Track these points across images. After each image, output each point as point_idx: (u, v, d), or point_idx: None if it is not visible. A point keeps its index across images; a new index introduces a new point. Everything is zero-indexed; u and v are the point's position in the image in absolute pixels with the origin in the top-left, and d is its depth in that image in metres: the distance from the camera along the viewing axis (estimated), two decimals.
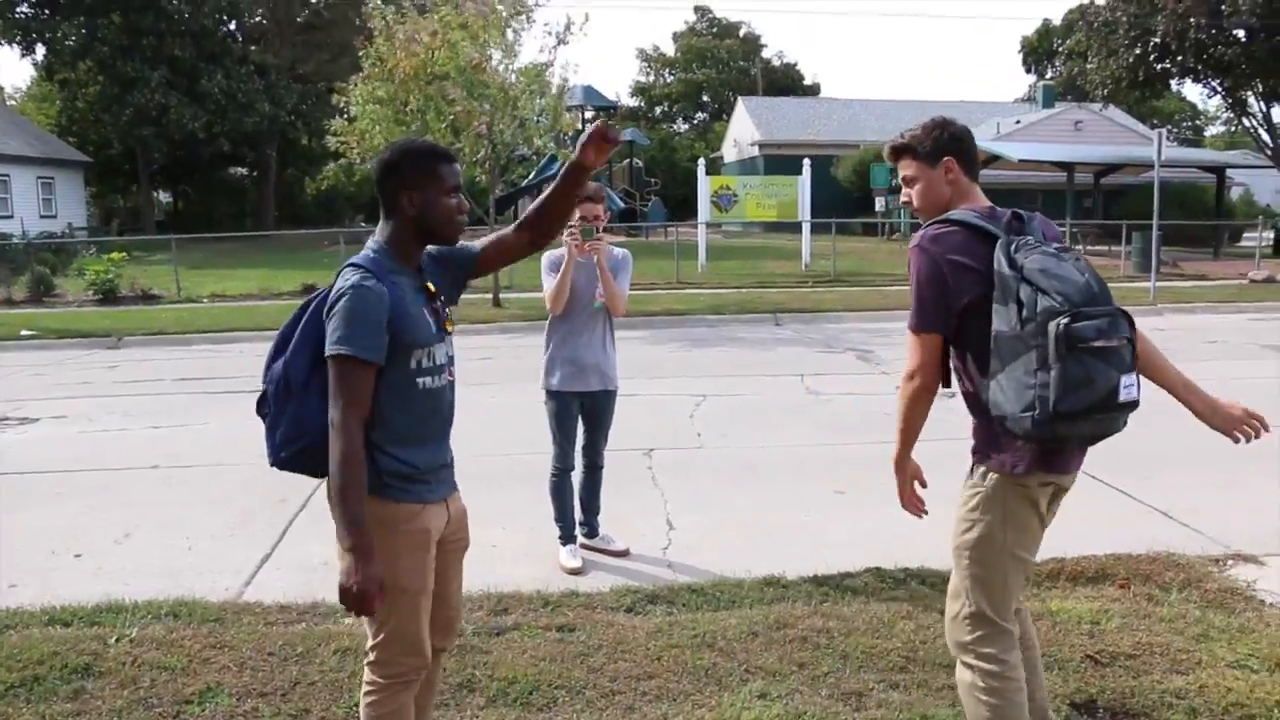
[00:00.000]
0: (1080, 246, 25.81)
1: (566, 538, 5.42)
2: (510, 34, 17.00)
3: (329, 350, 2.66)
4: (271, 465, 2.88)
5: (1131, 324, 2.78)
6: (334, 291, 2.72)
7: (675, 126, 67.46)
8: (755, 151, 42.16)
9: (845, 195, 36.33)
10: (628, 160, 38.93)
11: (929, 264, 2.91)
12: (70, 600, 4.85)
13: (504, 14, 16.82)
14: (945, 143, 3.01)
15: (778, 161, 37.30)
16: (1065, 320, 2.64)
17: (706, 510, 6.34)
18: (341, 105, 17.80)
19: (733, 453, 7.78)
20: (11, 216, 33.23)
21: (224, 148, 39.18)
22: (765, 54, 68.88)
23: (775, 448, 7.17)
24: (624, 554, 5.49)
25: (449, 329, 2.90)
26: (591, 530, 5.54)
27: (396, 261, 2.81)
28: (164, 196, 47.66)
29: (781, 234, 31.11)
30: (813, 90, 65.47)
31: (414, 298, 2.79)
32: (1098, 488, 6.27)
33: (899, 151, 3.10)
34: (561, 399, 5.25)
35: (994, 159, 28.41)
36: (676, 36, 69.73)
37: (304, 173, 46.50)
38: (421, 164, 2.82)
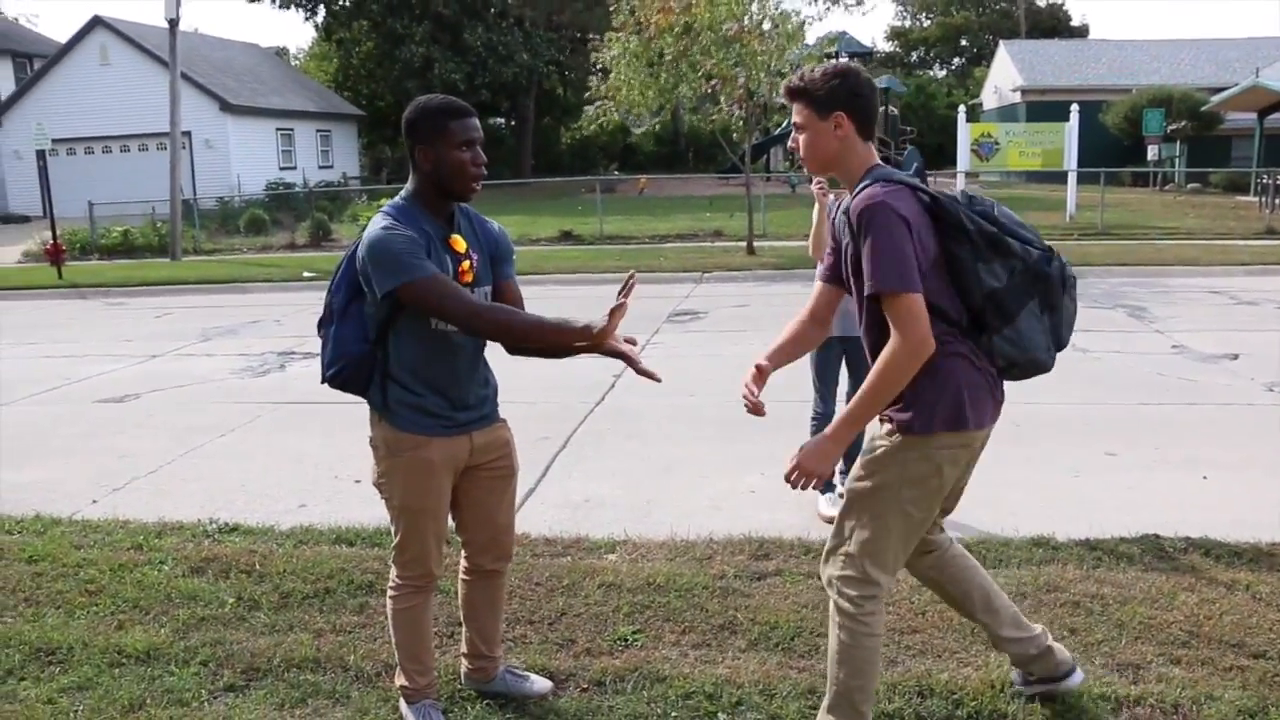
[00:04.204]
0: None
1: (826, 485, 5.38)
2: None
3: (388, 286, 2.89)
4: (322, 383, 3.19)
5: None
6: (365, 236, 2.96)
7: (932, 72, 65.03)
8: (1017, 98, 40.14)
9: (1115, 143, 34.07)
10: (883, 108, 37.86)
11: (898, 221, 2.72)
12: (353, 522, 5.25)
13: None
14: (840, 95, 2.85)
15: (1041, 108, 35.36)
16: (1058, 263, 2.86)
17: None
18: (597, 62, 18.11)
19: None
20: (295, 168, 35.84)
21: (484, 97, 40.66)
22: None
23: (1041, 405, 6.87)
24: None
25: (468, 280, 3.05)
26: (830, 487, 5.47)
27: (423, 210, 3.03)
28: None
29: (1044, 184, 29.58)
30: (1080, 32, 61.57)
31: (437, 246, 3.00)
32: None
33: (793, 94, 2.94)
34: (824, 344, 5.19)
35: None
36: None
37: (559, 122, 47.69)
38: (433, 121, 2.98)
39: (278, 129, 36.33)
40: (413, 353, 3.08)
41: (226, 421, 7.58)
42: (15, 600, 4.46)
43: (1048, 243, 2.94)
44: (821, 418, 5.32)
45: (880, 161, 2.94)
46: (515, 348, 3.06)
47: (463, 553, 3.51)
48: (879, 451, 2.94)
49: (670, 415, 7.58)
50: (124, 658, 3.89)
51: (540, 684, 3.58)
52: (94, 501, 5.93)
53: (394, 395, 3.11)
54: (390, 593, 3.36)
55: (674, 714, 3.39)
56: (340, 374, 3.14)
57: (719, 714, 3.38)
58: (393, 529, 3.27)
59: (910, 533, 2.99)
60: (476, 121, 3.04)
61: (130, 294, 16.47)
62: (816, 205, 5.13)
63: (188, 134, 28.52)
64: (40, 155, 19.68)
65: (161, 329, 12.87)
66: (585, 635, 3.96)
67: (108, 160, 33.35)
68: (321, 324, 3.19)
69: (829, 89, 2.85)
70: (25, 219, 31.51)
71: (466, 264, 3.07)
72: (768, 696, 3.45)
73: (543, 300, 13.63)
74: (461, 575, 3.54)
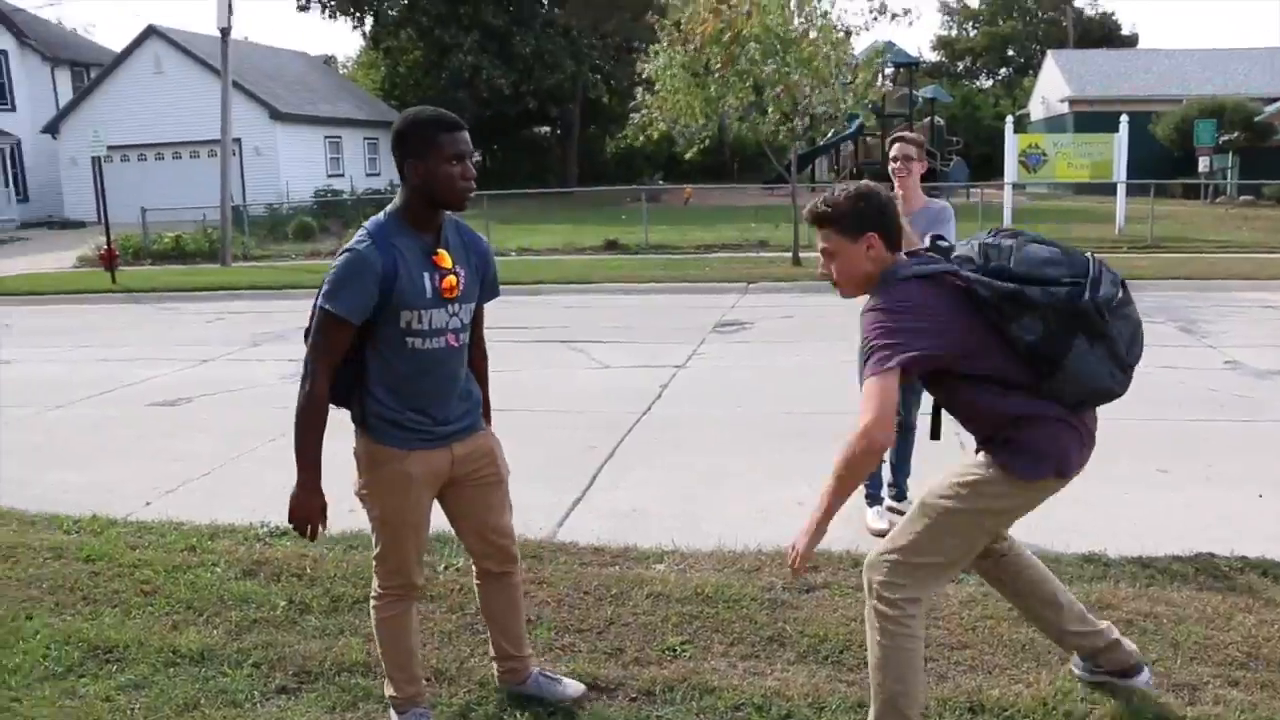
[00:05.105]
0: None
1: (873, 499, 5.37)
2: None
3: (317, 301, 2.99)
4: None
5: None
6: (339, 249, 3.03)
7: (978, 83, 64.57)
8: (1065, 108, 39.73)
9: (1165, 154, 33.57)
10: (929, 118, 37.66)
11: (897, 305, 2.85)
12: None
13: None
14: (869, 215, 2.90)
15: (1089, 118, 34.95)
16: (1092, 292, 2.78)
17: None
18: (643, 72, 18.13)
19: None
20: (343, 175, 36.21)
21: (530, 105, 40.88)
22: (1078, 3, 64.48)
23: None
24: None
25: (450, 297, 3.07)
26: (900, 493, 5.46)
27: (407, 225, 3.04)
28: (475, 156, 50.39)
29: (1092, 196, 29.23)
30: (1130, 41, 60.82)
31: (417, 262, 3.02)
32: None
33: (820, 220, 2.98)
34: None
35: None
36: None
37: (604, 131, 47.83)
38: (423, 133, 3.00)
39: (326, 137, 36.77)
40: (389, 369, 3.10)
41: (276, 426, 7.65)
42: (74, 598, 4.55)
43: (1094, 255, 2.91)
44: (903, 426, 5.14)
45: (899, 258, 2.99)
46: (355, 416, 3.21)
47: (472, 561, 3.56)
48: (974, 479, 2.97)
49: (717, 426, 7.58)
50: (179, 657, 3.96)
51: (573, 687, 3.60)
52: (148, 504, 6.02)
53: (372, 409, 3.14)
54: (373, 602, 3.40)
55: None
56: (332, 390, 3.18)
57: None
58: (373, 539, 3.32)
59: (967, 556, 3.06)
60: (467, 135, 3.06)
61: (182, 299, 16.71)
62: None
63: (238, 141, 28.91)
64: (95, 162, 20.03)
65: (212, 334, 13.05)
66: (634, 644, 3.97)
67: (160, 167, 33.89)
68: (306, 335, 3.22)
69: (857, 212, 2.90)
70: (80, 225, 32.08)
71: (452, 279, 3.09)
72: (817, 709, 3.45)
73: (587, 311, 13.75)
74: (474, 580, 3.58)
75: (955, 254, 2.96)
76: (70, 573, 4.81)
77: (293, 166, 33.43)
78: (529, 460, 6.80)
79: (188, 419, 8.32)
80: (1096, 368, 2.82)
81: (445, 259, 3.08)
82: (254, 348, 11.80)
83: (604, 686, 3.66)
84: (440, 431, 3.19)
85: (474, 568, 3.57)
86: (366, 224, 3.08)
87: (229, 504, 5.89)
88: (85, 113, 33.49)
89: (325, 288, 3.00)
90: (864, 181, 3.11)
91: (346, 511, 5.65)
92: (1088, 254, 2.91)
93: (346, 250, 3.01)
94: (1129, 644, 3.38)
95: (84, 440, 7.71)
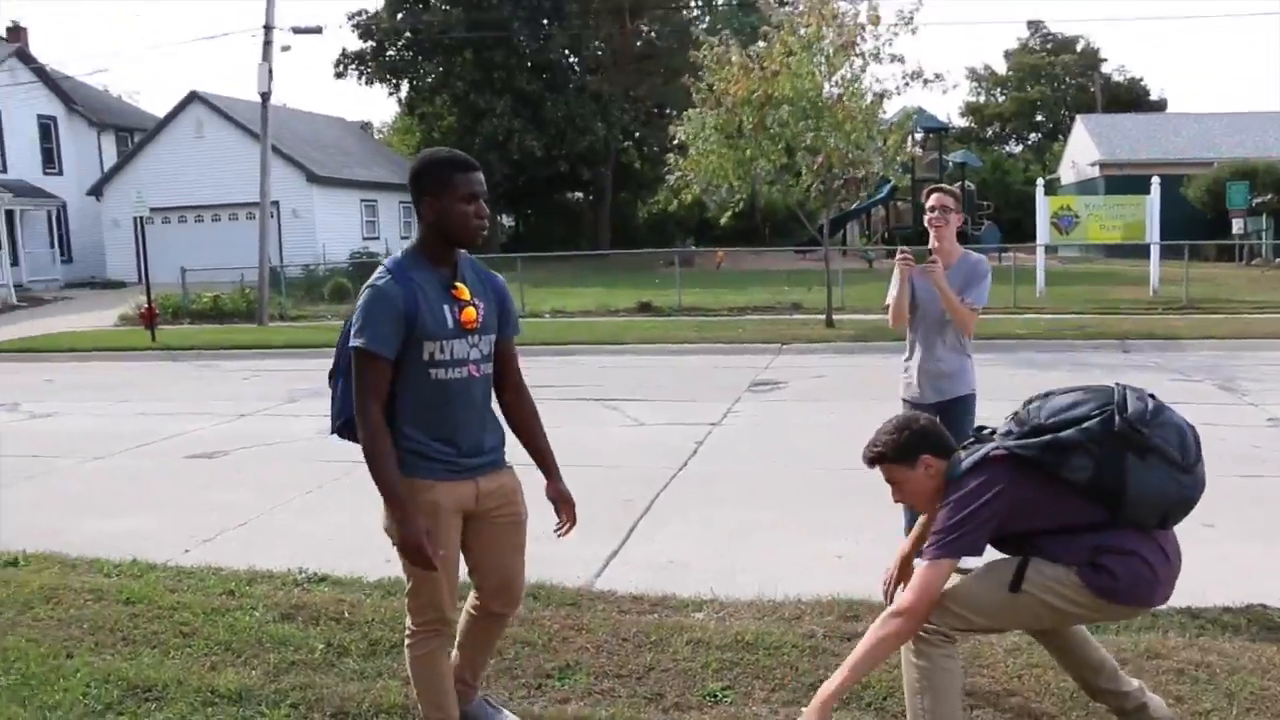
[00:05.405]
0: None
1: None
2: (859, 61, 16.97)
3: (350, 342, 3.07)
4: (331, 434, 3.36)
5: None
6: (364, 287, 3.10)
7: (1008, 148, 64.76)
8: (1095, 172, 39.77)
9: (1197, 217, 33.38)
10: (959, 184, 37.76)
11: (963, 498, 3.01)
12: None
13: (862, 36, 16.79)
14: (916, 443, 3.16)
15: (1119, 182, 34.91)
16: (1122, 414, 2.93)
17: None
18: (674, 136, 18.31)
19: None
20: (378, 238, 36.71)
21: (561, 169, 41.32)
22: (1105, 69, 64.69)
23: None
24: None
25: (470, 328, 3.15)
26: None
27: (425, 261, 3.14)
28: (507, 220, 50.95)
29: (1124, 259, 29.12)
30: (1159, 106, 60.89)
31: (437, 295, 3.11)
32: None
33: (874, 462, 3.23)
34: (912, 408, 5.18)
35: None
36: (1008, 54, 67.00)
37: (636, 195, 48.28)
38: (438, 173, 3.12)
39: (362, 200, 37.32)
40: (414, 402, 3.16)
41: (314, 479, 7.71)
42: (114, 639, 4.56)
43: (1118, 383, 3.10)
44: None
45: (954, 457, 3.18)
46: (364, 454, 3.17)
47: (474, 591, 3.56)
48: (1057, 573, 3.01)
49: (753, 481, 7.55)
50: (217, 697, 3.95)
51: (510, 719, 3.64)
52: (186, 551, 6.06)
53: (399, 444, 3.16)
54: (407, 640, 3.41)
55: None
56: (348, 424, 3.25)
57: None
58: (405, 575, 3.31)
59: (1006, 629, 3.30)
60: (481, 176, 3.17)
61: (220, 357, 16.90)
62: (897, 273, 5.20)
63: (276, 204, 29.34)
64: (138, 223, 20.42)
65: (249, 390, 13.18)
66: (674, 690, 3.93)
67: (200, 229, 34.46)
68: (331, 375, 3.31)
69: (905, 443, 3.16)
70: (122, 285, 32.58)
71: (472, 310, 3.18)
72: None
73: (621, 371, 13.77)
74: (469, 608, 3.59)
75: (995, 431, 3.21)
76: (110, 614, 4.83)
77: (329, 229, 33.90)
78: None
79: (225, 471, 8.37)
80: (1158, 479, 2.92)
81: (464, 291, 3.19)
82: (290, 404, 11.90)
83: None
84: (465, 464, 3.24)
85: (473, 598, 3.57)
86: (385, 261, 3.20)
87: (266, 553, 5.90)
88: (129, 176, 34.19)
89: (354, 326, 3.09)
90: (901, 414, 3.41)
91: (384, 562, 5.74)
92: (1113, 384, 3.10)
93: (369, 287, 3.11)
94: (1159, 709, 3.41)
95: (122, 490, 7.78)
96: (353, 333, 3.09)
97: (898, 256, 5.18)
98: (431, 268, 3.16)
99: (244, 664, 4.27)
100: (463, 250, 3.24)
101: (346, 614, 4.74)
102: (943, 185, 5.37)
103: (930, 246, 5.16)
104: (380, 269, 3.17)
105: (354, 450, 3.30)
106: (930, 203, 5.17)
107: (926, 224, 5.21)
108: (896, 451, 3.14)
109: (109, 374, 15.25)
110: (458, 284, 3.18)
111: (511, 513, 3.39)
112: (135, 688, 4.04)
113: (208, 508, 7.10)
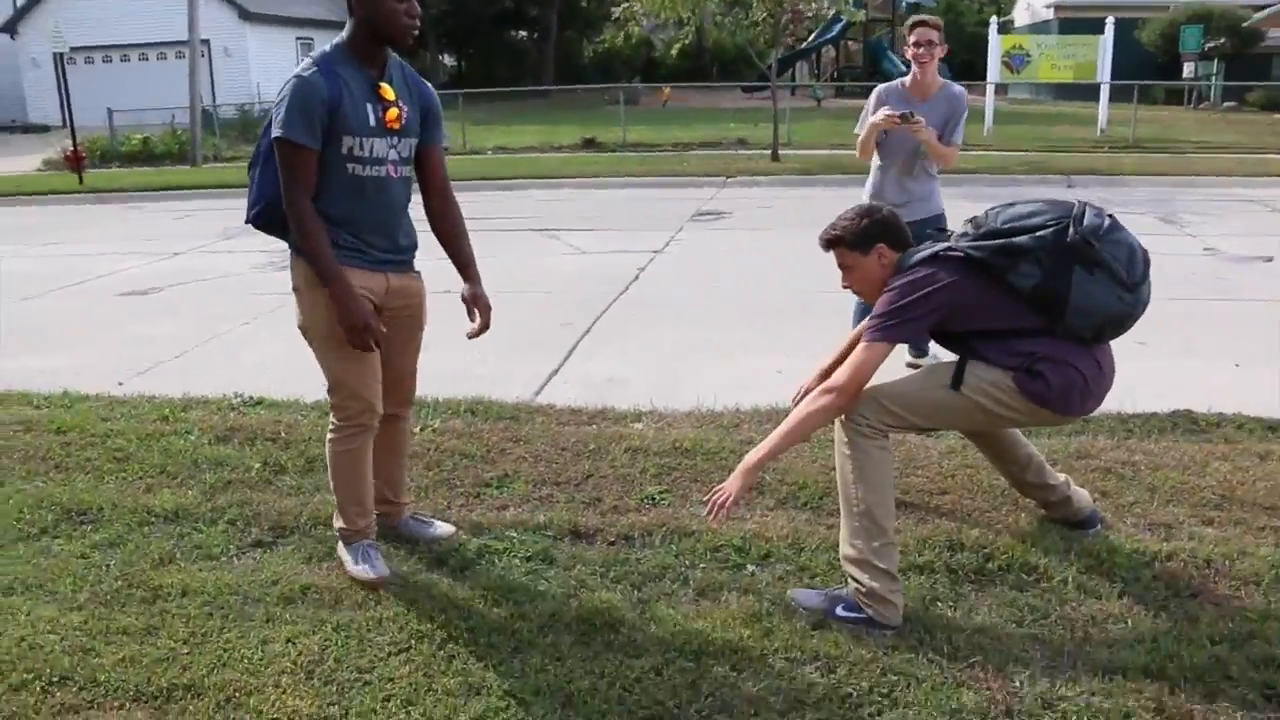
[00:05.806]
0: None
1: (918, 351, 5.44)
2: None
3: (273, 132, 3.03)
4: (245, 223, 3.34)
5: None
6: (288, 78, 3.05)
7: None
8: (1050, 14, 39.12)
9: (1149, 60, 33.11)
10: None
11: (907, 288, 3.02)
12: None
13: None
14: (874, 231, 3.15)
15: (1075, 24, 34.32)
16: (1076, 227, 2.94)
17: None
18: None
19: None
20: None
21: (506, 4, 39.94)
22: None
23: None
24: None
25: (393, 128, 3.12)
26: (921, 351, 5.44)
27: (352, 58, 3.09)
28: (449, 59, 49.39)
29: (1074, 101, 29.01)
30: None
31: (362, 92, 3.07)
32: None
33: (830, 243, 3.22)
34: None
35: None
36: None
37: (582, 34, 46.91)
38: None
39: (298, 38, 35.87)
40: (328, 193, 3.12)
41: (250, 311, 7.57)
42: (46, 467, 4.49)
43: (1080, 200, 3.10)
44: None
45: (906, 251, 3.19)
46: (293, 244, 3.17)
47: None
48: (990, 376, 3.03)
49: (695, 304, 7.54)
50: (153, 517, 3.92)
51: (443, 528, 3.68)
52: (120, 384, 5.95)
53: None
54: (330, 436, 3.39)
55: (703, 565, 3.40)
56: (261, 214, 3.25)
57: (748, 565, 3.38)
58: (324, 369, 3.30)
59: (939, 428, 3.38)
60: None
61: (151, 198, 16.38)
62: (870, 111, 5.14)
63: (206, 43, 28.14)
64: (58, 60, 19.49)
65: (183, 229, 12.84)
66: (612, 495, 3.96)
67: (126, 69, 33.05)
68: (250, 166, 3.26)
69: (863, 229, 3.15)
70: (44, 129, 31.35)
71: (395, 111, 3.14)
72: (796, 550, 3.46)
73: (563, 204, 13.59)
74: None
75: (950, 233, 3.24)
76: (41, 443, 4.73)
77: (264, 68, 32.58)
78: (504, 337, 6.75)
79: (160, 307, 8.20)
80: (1102, 293, 2.96)
81: (389, 91, 3.14)
82: (226, 240, 11.60)
83: (582, 533, 3.65)
84: (377, 256, 3.22)
85: None
86: (312, 54, 3.11)
87: (203, 381, 5.81)
88: (45, 12, 32.44)
89: (278, 116, 3.02)
90: (862, 203, 3.39)
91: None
92: (1074, 199, 3.10)
93: (294, 77, 3.04)
94: (1082, 500, 3.53)
95: (52, 328, 7.59)
96: (276, 123, 3.03)
97: (882, 114, 4.95)
98: (359, 65, 3.10)
99: (180, 485, 4.23)
100: (394, 54, 3.17)
101: (283, 434, 4.70)
102: (927, 18, 5.20)
103: (912, 77, 5.15)
104: (307, 60, 3.09)
105: (289, 282, 3.21)
106: (914, 37, 5.08)
107: (911, 58, 5.11)
108: (854, 238, 3.14)
109: (35, 217, 14.75)
110: (383, 84, 3.13)
111: (411, 314, 3.40)
112: (70, 511, 3.99)
113: (143, 341, 6.96)
